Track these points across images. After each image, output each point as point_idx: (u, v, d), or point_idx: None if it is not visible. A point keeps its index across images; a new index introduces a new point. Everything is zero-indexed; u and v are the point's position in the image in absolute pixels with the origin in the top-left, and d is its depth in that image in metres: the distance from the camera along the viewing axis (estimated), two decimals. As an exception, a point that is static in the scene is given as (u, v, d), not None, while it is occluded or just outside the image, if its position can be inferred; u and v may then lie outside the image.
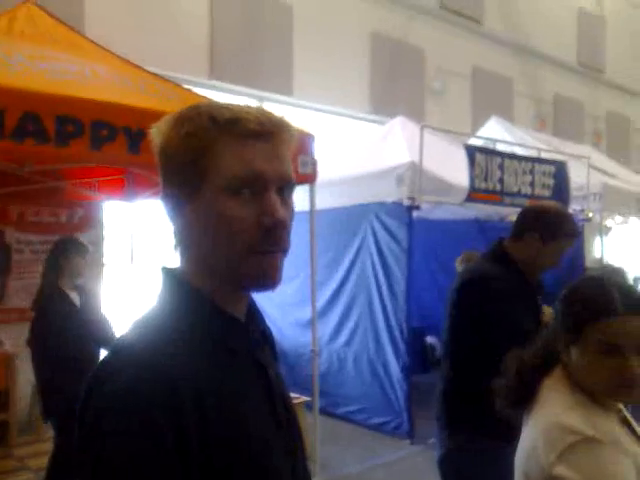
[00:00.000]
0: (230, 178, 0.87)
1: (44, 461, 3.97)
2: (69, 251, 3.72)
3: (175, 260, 0.96)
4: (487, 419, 1.80)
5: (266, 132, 0.89)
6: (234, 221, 0.87)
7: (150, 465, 0.74)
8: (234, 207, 0.87)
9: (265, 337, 1.03)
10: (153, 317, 0.90)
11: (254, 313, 1.01)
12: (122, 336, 0.88)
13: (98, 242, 5.68)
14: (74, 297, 3.75)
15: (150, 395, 0.76)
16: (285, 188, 0.92)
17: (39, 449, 4.69)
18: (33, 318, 3.66)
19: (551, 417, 1.38)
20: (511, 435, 1.53)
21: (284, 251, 0.91)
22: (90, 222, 5.68)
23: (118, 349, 0.84)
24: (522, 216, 2.48)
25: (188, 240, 0.93)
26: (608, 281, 1.47)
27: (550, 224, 2.35)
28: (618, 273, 1.78)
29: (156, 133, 0.92)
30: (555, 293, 1.58)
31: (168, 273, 0.94)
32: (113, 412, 0.76)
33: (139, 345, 0.83)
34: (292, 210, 0.94)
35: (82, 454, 0.78)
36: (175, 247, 0.95)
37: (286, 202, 0.92)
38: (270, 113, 0.92)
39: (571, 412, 1.36)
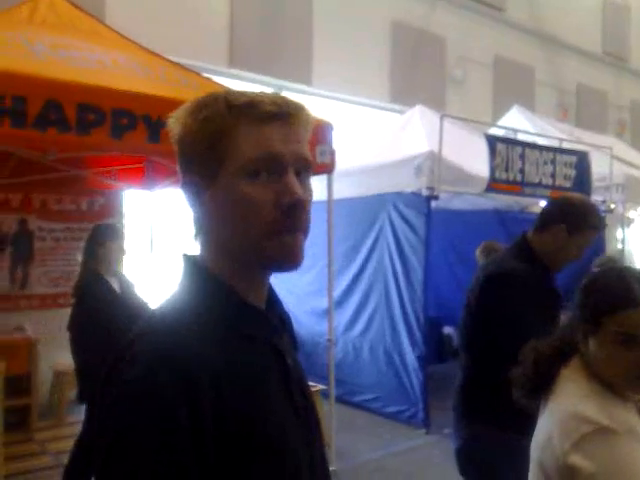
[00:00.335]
0: (247, 161, 0.88)
1: (64, 445, 4.05)
2: (104, 237, 3.78)
3: (195, 248, 0.97)
4: (505, 411, 1.80)
5: (282, 114, 0.89)
6: (253, 203, 0.87)
7: (166, 450, 0.75)
8: (252, 190, 0.88)
9: (284, 324, 1.03)
10: (172, 304, 0.91)
11: (274, 300, 1.02)
12: (142, 322, 0.89)
13: (118, 230, 5.73)
14: (114, 283, 3.80)
15: (166, 382, 0.77)
16: (302, 171, 0.92)
17: (59, 433, 4.78)
18: (73, 303, 3.72)
19: (567, 407, 1.38)
20: (529, 427, 1.52)
21: (304, 232, 0.92)
22: (110, 210, 5.74)
23: (137, 336, 0.85)
24: (548, 207, 2.46)
25: (208, 227, 0.93)
26: (628, 272, 1.46)
27: (576, 215, 2.33)
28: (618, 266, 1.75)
29: (174, 122, 0.92)
30: (575, 285, 1.57)
31: (188, 260, 0.95)
32: (130, 399, 0.77)
33: (157, 332, 0.84)
34: (310, 192, 0.94)
35: (99, 439, 0.79)
36: (195, 235, 0.96)
37: (304, 184, 0.92)
38: (286, 97, 0.93)
39: (587, 402, 1.36)
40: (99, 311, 3.55)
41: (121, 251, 3.85)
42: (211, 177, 0.90)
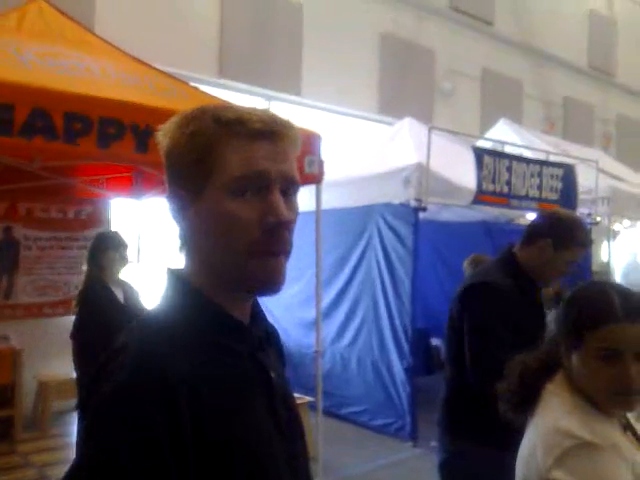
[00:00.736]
0: (233, 178, 0.87)
1: (48, 457, 4.00)
2: (104, 246, 3.78)
3: (180, 261, 0.97)
4: (489, 425, 1.80)
5: (270, 131, 0.89)
6: (236, 221, 0.87)
7: (144, 462, 0.75)
8: (237, 207, 0.87)
9: (269, 339, 1.03)
10: (155, 317, 0.91)
11: (259, 315, 1.01)
12: (124, 334, 0.88)
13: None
14: (117, 292, 3.79)
15: (144, 395, 0.77)
16: (289, 189, 0.91)
17: (43, 445, 4.71)
18: (77, 312, 3.71)
19: (550, 422, 1.38)
20: (513, 442, 1.52)
21: (287, 254, 0.91)
22: (97, 219, 5.70)
23: (118, 348, 0.85)
24: (536, 221, 2.47)
25: (192, 242, 0.93)
26: (610, 286, 1.46)
27: (563, 231, 2.33)
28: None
29: (162, 135, 0.92)
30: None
31: (172, 274, 0.95)
32: (109, 409, 0.77)
33: (137, 345, 0.84)
34: (296, 211, 0.94)
35: (80, 450, 0.79)
36: (180, 249, 0.96)
37: (290, 203, 0.91)
38: (275, 114, 0.92)
39: (570, 417, 1.36)
40: (100, 319, 3.54)
41: (123, 259, 3.85)
42: (196, 192, 0.90)
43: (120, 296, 3.79)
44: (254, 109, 0.92)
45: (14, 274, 5.26)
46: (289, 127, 0.92)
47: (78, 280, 4.85)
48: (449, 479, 2.37)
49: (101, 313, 3.57)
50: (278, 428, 0.93)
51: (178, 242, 0.96)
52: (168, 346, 0.83)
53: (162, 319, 0.90)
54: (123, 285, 3.89)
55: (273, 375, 0.96)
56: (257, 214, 0.87)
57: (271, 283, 0.90)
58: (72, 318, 4.99)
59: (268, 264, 0.88)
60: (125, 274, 4.07)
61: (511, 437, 1.52)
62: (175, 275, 0.95)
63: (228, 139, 0.88)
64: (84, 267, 3.92)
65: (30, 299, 5.31)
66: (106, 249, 3.77)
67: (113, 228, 5.11)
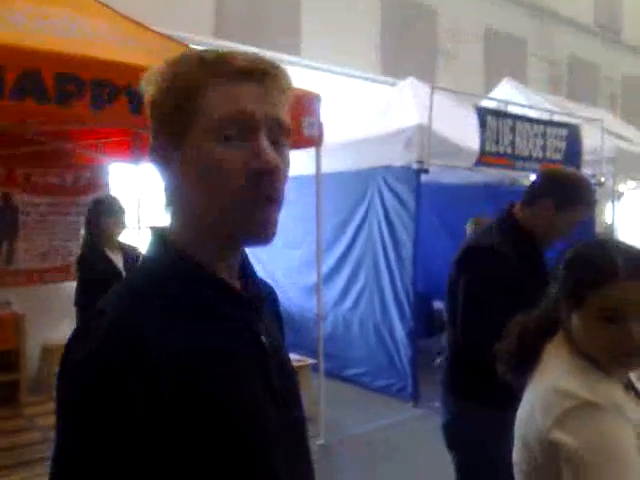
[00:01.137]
0: (216, 120, 0.82)
1: (53, 420, 4.02)
2: (99, 211, 3.76)
3: (166, 220, 0.92)
4: (492, 386, 1.79)
5: (256, 71, 0.84)
6: (220, 167, 0.81)
7: (120, 431, 0.72)
8: (221, 152, 0.82)
9: (262, 301, 0.97)
10: (132, 280, 0.88)
11: (250, 277, 0.96)
12: (104, 297, 0.84)
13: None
14: (115, 258, 3.77)
15: (119, 363, 0.73)
16: (279, 136, 0.85)
17: (48, 408, 4.75)
18: (77, 278, 3.77)
19: (550, 382, 1.36)
20: (515, 402, 1.51)
21: (278, 202, 0.85)
22: (96, 185, 5.65)
23: (94, 313, 0.81)
24: (537, 180, 2.38)
25: (176, 195, 0.88)
26: (612, 244, 1.41)
27: (566, 190, 2.25)
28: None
29: (146, 83, 0.86)
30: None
31: (155, 232, 0.90)
32: (82, 376, 0.74)
33: (114, 309, 0.80)
34: (287, 161, 0.87)
35: (57, 420, 0.76)
36: (166, 207, 0.90)
37: (280, 152, 0.85)
38: (264, 58, 0.87)
39: (570, 377, 1.33)
40: (95, 286, 3.53)
41: (119, 225, 3.82)
42: (179, 139, 0.84)
43: (119, 261, 3.77)
44: (244, 52, 0.86)
45: (14, 240, 5.24)
46: (278, 70, 0.87)
47: (77, 246, 4.85)
48: (453, 439, 2.37)
49: (99, 279, 3.56)
50: (271, 395, 0.89)
51: (163, 199, 0.91)
52: (146, 311, 0.79)
53: (141, 282, 0.85)
54: (124, 249, 3.87)
55: (265, 340, 0.91)
56: (242, 158, 0.82)
57: (259, 232, 0.84)
58: (73, 284, 5.02)
59: (256, 211, 0.83)
60: (127, 238, 4.05)
61: (513, 398, 1.51)
62: (158, 234, 0.90)
63: (211, 80, 0.83)
64: (82, 233, 3.91)
65: (31, 265, 5.30)
66: (102, 214, 3.75)
67: (112, 193, 5.07)
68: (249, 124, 0.82)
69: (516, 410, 1.48)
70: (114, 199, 3.99)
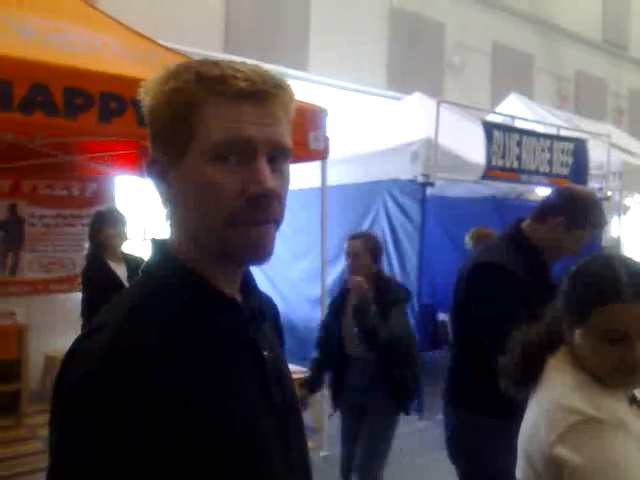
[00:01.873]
0: (214, 144, 0.80)
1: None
2: (102, 223, 3.79)
3: (166, 231, 0.92)
4: (494, 396, 1.78)
5: (257, 92, 0.81)
6: (218, 189, 0.80)
7: (119, 451, 0.70)
8: (218, 174, 0.80)
9: (263, 315, 0.96)
10: (133, 293, 0.87)
11: (251, 289, 0.95)
12: (102, 311, 0.84)
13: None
14: (118, 269, 3.79)
15: (120, 378, 0.72)
16: (278, 156, 0.84)
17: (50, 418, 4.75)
18: (82, 290, 3.82)
19: (554, 397, 1.34)
20: (516, 412, 1.50)
21: (275, 222, 0.85)
22: (102, 197, 5.69)
23: (93, 327, 0.80)
24: (550, 197, 2.36)
25: (174, 210, 0.87)
26: (618, 262, 1.39)
27: (578, 210, 2.23)
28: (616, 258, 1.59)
29: (144, 92, 0.85)
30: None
31: (155, 244, 0.89)
32: (80, 396, 0.72)
33: (113, 325, 0.78)
34: (286, 180, 0.86)
35: (51, 437, 0.74)
36: (166, 218, 0.89)
37: (279, 170, 0.84)
38: (265, 71, 0.83)
39: (574, 392, 1.32)
40: (98, 297, 3.55)
41: (120, 237, 3.84)
42: (176, 155, 0.83)
43: (122, 272, 3.78)
44: (244, 65, 0.83)
45: (20, 251, 5.27)
46: (279, 86, 0.84)
47: (82, 257, 4.86)
48: (454, 451, 2.36)
49: (101, 291, 3.58)
50: (271, 407, 0.88)
51: (163, 210, 0.90)
52: (145, 326, 0.78)
53: (141, 295, 0.84)
54: (128, 260, 3.88)
55: (266, 352, 0.90)
56: (239, 182, 0.80)
57: (255, 252, 0.83)
58: (77, 295, 5.02)
59: (250, 233, 0.82)
60: (132, 249, 4.06)
61: (515, 408, 1.50)
62: (158, 246, 0.89)
63: (209, 99, 0.80)
64: (86, 245, 3.94)
65: (35, 275, 5.33)
66: (103, 226, 3.77)
67: (117, 205, 5.10)
68: (248, 148, 0.81)
69: (517, 420, 1.46)
70: (115, 210, 4.02)
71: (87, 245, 3.94)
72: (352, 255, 3.38)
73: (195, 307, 0.84)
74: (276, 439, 0.87)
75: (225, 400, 0.80)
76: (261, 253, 0.84)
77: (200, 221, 0.83)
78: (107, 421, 0.70)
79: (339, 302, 3.47)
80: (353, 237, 3.50)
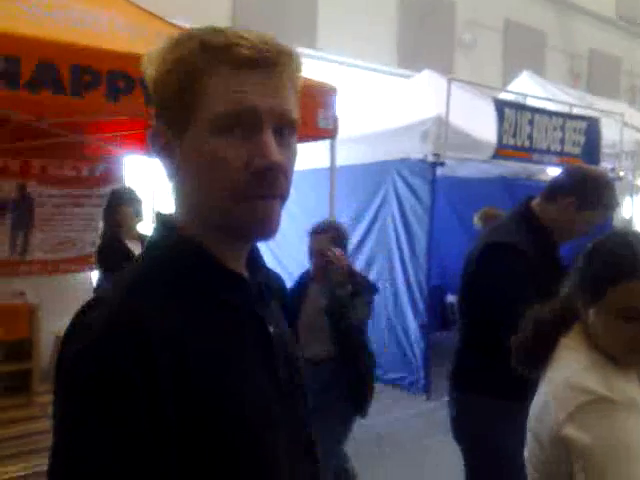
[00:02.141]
0: (217, 115, 0.78)
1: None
2: (117, 202, 3.80)
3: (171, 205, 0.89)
4: (502, 378, 1.77)
5: (263, 60, 0.78)
6: (222, 162, 0.78)
7: (121, 423, 0.69)
8: (222, 147, 0.78)
9: (270, 292, 0.94)
10: (136, 267, 0.85)
11: (258, 265, 0.93)
12: (102, 288, 0.83)
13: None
14: (134, 248, 3.80)
15: (116, 356, 0.70)
16: (284, 127, 0.81)
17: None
18: (98, 269, 3.89)
19: (564, 376, 1.33)
20: (523, 393, 1.49)
21: (281, 197, 0.82)
22: (111, 177, 5.67)
23: (95, 300, 0.79)
24: (561, 176, 2.32)
25: (178, 183, 0.85)
26: (635, 240, 1.37)
27: (590, 191, 2.19)
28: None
29: (148, 62, 0.82)
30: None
31: (160, 219, 0.88)
32: (81, 372, 0.71)
33: (113, 298, 0.77)
34: (292, 153, 0.84)
35: (54, 411, 0.74)
36: (171, 192, 0.88)
37: (286, 143, 0.82)
38: (272, 39, 0.80)
39: (586, 372, 1.31)
40: (110, 277, 3.57)
41: (137, 215, 3.86)
42: (180, 127, 0.81)
43: (139, 251, 3.80)
44: (250, 32, 0.80)
45: (29, 231, 5.28)
46: (285, 54, 0.81)
47: (93, 237, 4.87)
48: (458, 432, 2.36)
49: (112, 271, 3.60)
50: (276, 385, 0.87)
51: (168, 184, 0.88)
52: (147, 299, 0.77)
53: (143, 268, 0.83)
54: (143, 240, 3.90)
55: (272, 330, 0.88)
56: (244, 154, 0.78)
57: (260, 228, 0.81)
58: (88, 274, 5.04)
59: (256, 208, 0.80)
60: (145, 229, 4.07)
61: (525, 390, 1.49)
62: (163, 220, 0.87)
63: (213, 68, 0.78)
64: (100, 224, 3.95)
65: (45, 256, 5.34)
66: (119, 205, 3.78)
67: (127, 185, 5.09)
68: (253, 119, 0.78)
69: (525, 402, 1.45)
70: (130, 190, 4.02)
71: (101, 224, 3.96)
72: (317, 252, 3.10)
73: (199, 282, 0.82)
74: (282, 418, 0.85)
75: (228, 374, 0.79)
76: (267, 229, 0.82)
77: (204, 196, 0.81)
78: (104, 398, 0.69)
79: (297, 304, 3.20)
80: (316, 231, 3.18)
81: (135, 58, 3.18)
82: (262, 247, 0.97)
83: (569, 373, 1.33)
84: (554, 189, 2.27)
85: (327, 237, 3.14)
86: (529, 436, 1.41)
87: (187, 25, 4.61)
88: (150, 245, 0.87)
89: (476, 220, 5.46)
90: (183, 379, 0.73)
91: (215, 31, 0.80)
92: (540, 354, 1.45)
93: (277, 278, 2.93)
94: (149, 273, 0.82)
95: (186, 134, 0.81)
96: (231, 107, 0.78)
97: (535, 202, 2.32)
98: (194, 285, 0.82)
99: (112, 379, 0.70)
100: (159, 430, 0.71)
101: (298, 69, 0.84)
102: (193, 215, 0.85)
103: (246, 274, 0.89)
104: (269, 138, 0.79)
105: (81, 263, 5.41)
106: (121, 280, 0.83)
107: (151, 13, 4.20)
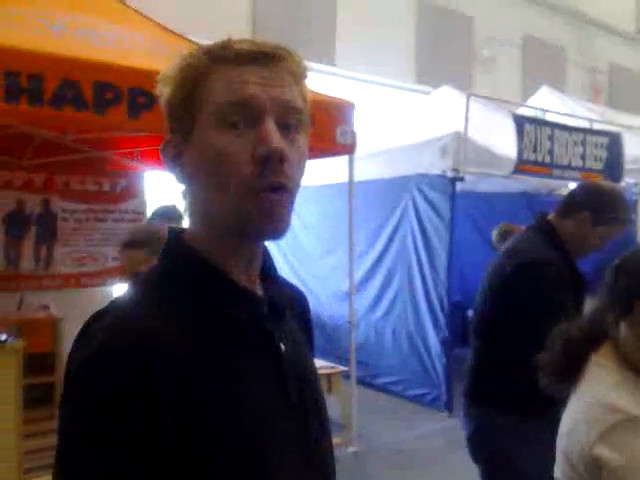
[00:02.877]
0: (218, 107, 0.78)
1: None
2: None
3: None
4: (519, 395, 1.73)
5: (262, 54, 0.79)
6: (227, 156, 0.77)
7: (115, 435, 0.69)
8: (226, 141, 0.78)
9: (284, 305, 0.91)
10: (143, 281, 0.85)
11: (272, 278, 0.92)
12: (114, 299, 0.83)
13: (140, 212, 5.76)
14: None
15: (114, 369, 0.70)
16: (290, 120, 0.80)
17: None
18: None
19: (595, 394, 1.30)
20: (543, 412, 1.46)
21: (288, 190, 0.80)
22: (132, 192, 5.75)
23: (99, 313, 0.79)
24: (575, 191, 2.32)
25: (189, 192, 0.85)
26: None
27: (603, 206, 2.19)
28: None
29: (162, 81, 0.84)
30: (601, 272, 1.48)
31: (172, 234, 0.88)
32: (75, 388, 0.72)
33: (114, 312, 0.77)
34: (299, 150, 0.82)
35: (58, 417, 0.75)
36: (185, 210, 0.88)
37: (292, 139, 0.80)
38: (274, 43, 0.82)
39: (617, 390, 1.28)
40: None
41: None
42: (187, 130, 0.81)
43: None
44: (253, 40, 0.83)
45: (52, 245, 5.37)
46: (287, 52, 0.82)
47: (113, 252, 4.91)
48: (478, 450, 2.31)
49: None
50: (286, 403, 0.84)
51: (182, 202, 0.88)
52: (147, 314, 0.76)
53: (148, 283, 0.83)
54: None
55: (283, 346, 0.85)
56: (249, 146, 0.77)
57: (269, 222, 0.79)
58: (110, 288, 5.07)
59: (265, 203, 0.78)
60: None
61: (542, 408, 1.46)
62: (173, 235, 0.87)
63: (213, 68, 0.80)
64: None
65: (68, 270, 5.42)
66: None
67: (147, 201, 5.16)
68: (254, 109, 0.78)
69: (543, 420, 1.42)
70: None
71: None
72: (128, 269, 2.28)
73: (204, 296, 0.81)
74: (291, 436, 0.83)
75: (232, 396, 0.77)
76: (276, 225, 0.79)
77: (214, 194, 0.80)
78: (100, 411, 0.69)
79: None
80: (127, 245, 2.34)
81: (156, 75, 3.25)
82: (281, 262, 0.96)
83: (600, 391, 1.30)
84: (570, 205, 2.27)
85: (138, 251, 2.30)
86: (559, 455, 1.37)
87: (207, 42, 4.69)
88: (160, 259, 0.87)
89: (494, 236, 5.41)
90: (182, 394, 0.73)
91: (222, 42, 0.82)
92: (570, 372, 1.42)
93: (300, 295, 2.93)
94: (155, 286, 0.82)
95: (192, 136, 0.81)
96: (231, 97, 0.78)
97: (551, 217, 2.31)
98: (199, 299, 0.81)
99: (104, 395, 0.70)
100: (150, 449, 0.70)
101: (298, 67, 0.84)
102: (203, 223, 0.84)
103: (258, 287, 0.88)
104: (270, 125, 0.78)
105: (103, 277, 5.47)
106: (125, 295, 0.84)
107: (171, 31, 4.26)
